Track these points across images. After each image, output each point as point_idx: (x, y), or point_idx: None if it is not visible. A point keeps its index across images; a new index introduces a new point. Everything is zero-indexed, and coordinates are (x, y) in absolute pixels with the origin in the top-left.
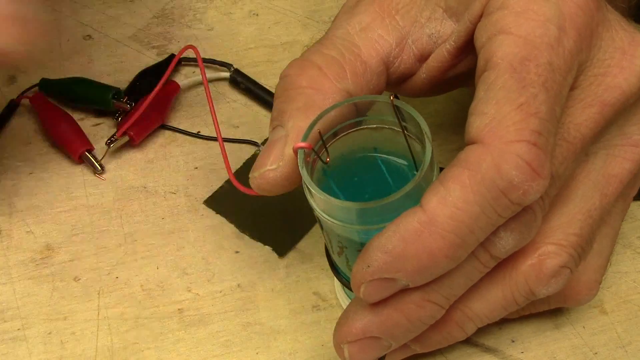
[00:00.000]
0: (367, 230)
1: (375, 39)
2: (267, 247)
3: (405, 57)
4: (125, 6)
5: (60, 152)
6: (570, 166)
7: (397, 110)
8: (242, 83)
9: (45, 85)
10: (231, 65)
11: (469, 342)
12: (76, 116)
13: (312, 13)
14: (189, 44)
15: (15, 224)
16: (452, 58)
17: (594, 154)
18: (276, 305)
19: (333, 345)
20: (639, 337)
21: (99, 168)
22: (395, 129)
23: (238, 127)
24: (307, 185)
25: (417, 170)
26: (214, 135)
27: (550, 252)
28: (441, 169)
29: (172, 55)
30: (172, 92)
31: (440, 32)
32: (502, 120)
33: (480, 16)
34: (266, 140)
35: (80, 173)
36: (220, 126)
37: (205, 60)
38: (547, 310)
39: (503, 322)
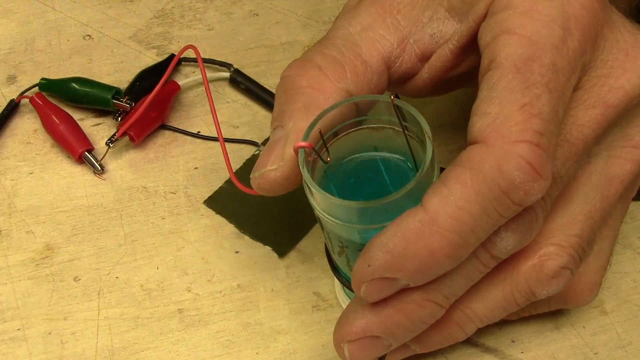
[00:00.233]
0: (367, 229)
1: (376, 39)
2: (267, 247)
3: (406, 57)
4: (125, 6)
5: (60, 152)
6: (572, 167)
7: (397, 109)
8: (242, 83)
9: (45, 85)
10: (231, 65)
11: (469, 342)
12: (76, 116)
13: (312, 13)
14: (189, 44)
15: (15, 224)
16: (455, 58)
17: (596, 155)
18: (276, 305)
19: (333, 345)
20: (639, 337)
21: (99, 168)
22: (396, 128)
23: (238, 127)
24: (307, 184)
25: (417, 170)
26: (214, 135)
27: (551, 253)
28: (442, 170)
29: (172, 55)
30: (172, 92)
31: (442, 32)
32: (505, 121)
33: (485, 16)
34: (266, 140)
35: (80, 173)
36: (220, 126)
37: (205, 60)
38: (548, 311)
39: (503, 323)
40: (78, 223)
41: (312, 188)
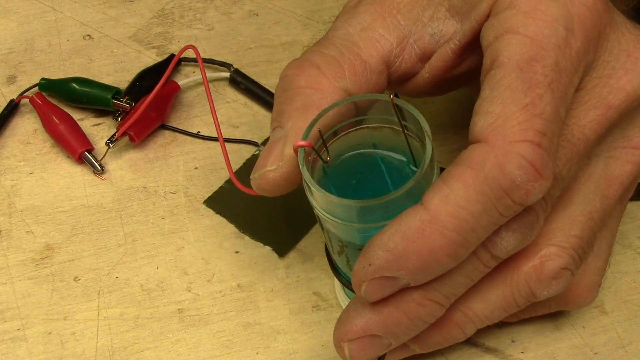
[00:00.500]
0: (367, 228)
1: (375, 38)
2: (267, 247)
3: (406, 57)
4: (125, 6)
5: (60, 152)
6: (574, 168)
7: (397, 108)
8: (242, 83)
9: (45, 85)
10: (231, 65)
11: (469, 342)
12: (76, 116)
13: (312, 13)
14: (188, 44)
15: (15, 224)
16: (456, 57)
17: (596, 156)
18: (276, 305)
19: (333, 344)
20: (639, 337)
21: (99, 168)
22: (395, 127)
23: (238, 127)
24: (307, 184)
25: (417, 170)
26: (214, 135)
27: (551, 253)
28: (442, 170)
29: (172, 55)
30: (172, 92)
31: (442, 32)
32: (507, 120)
33: (487, 15)
34: (267, 140)
35: (80, 173)
36: (220, 126)
37: (205, 60)
38: (548, 313)
39: (503, 323)
40: (78, 223)
41: (312, 187)
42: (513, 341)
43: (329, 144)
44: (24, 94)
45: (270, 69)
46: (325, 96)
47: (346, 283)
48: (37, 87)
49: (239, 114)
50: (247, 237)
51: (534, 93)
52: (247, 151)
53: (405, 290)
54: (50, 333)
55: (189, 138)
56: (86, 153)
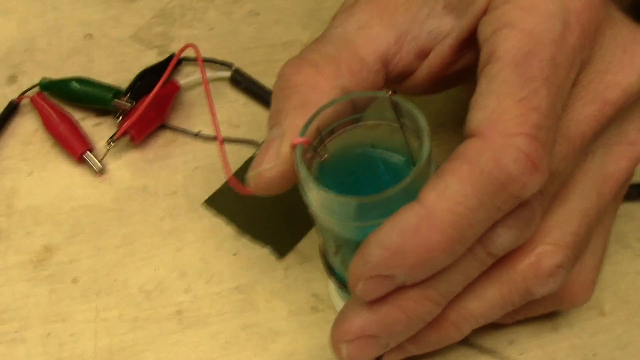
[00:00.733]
0: (364, 226)
1: (372, 37)
2: (266, 248)
3: (404, 55)
4: (126, 6)
5: (60, 152)
6: (570, 164)
7: (395, 105)
8: (243, 82)
9: (46, 85)
10: (231, 64)
11: (467, 343)
12: (76, 116)
13: (312, 13)
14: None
15: (15, 225)
16: (454, 53)
17: (592, 152)
18: (275, 306)
19: (330, 345)
20: (639, 337)
21: (99, 166)
22: (394, 125)
23: (238, 126)
24: (303, 182)
25: (414, 166)
26: (214, 135)
27: (547, 251)
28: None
29: (173, 55)
30: (172, 92)
31: (440, 29)
32: (503, 114)
33: (485, 11)
34: None
35: (80, 173)
36: (220, 126)
37: (205, 60)
38: (543, 313)
39: (501, 324)
40: (77, 224)
41: (308, 184)
42: (511, 342)
43: (326, 142)
44: (24, 94)
45: (270, 69)
46: (323, 94)
47: (342, 284)
48: (37, 87)
49: (239, 114)
50: (246, 239)
51: (530, 87)
52: (247, 151)
53: (402, 289)
54: (48, 335)
55: (189, 138)
56: (86, 153)
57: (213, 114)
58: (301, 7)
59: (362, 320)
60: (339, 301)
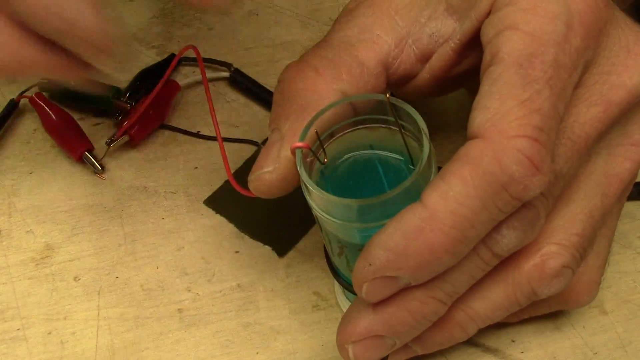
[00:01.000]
0: (366, 228)
1: (373, 40)
2: (267, 247)
3: (405, 58)
4: (125, 5)
5: (60, 152)
6: (574, 165)
7: (393, 107)
8: (242, 83)
9: (45, 85)
10: (231, 65)
11: (469, 342)
12: (76, 116)
13: (312, 13)
14: (189, 43)
15: (15, 224)
16: (456, 56)
17: (596, 153)
18: (276, 305)
19: (337, 347)
20: (639, 337)
21: (99, 168)
22: (393, 127)
23: (238, 126)
24: (305, 185)
25: (414, 168)
26: (214, 135)
27: (552, 252)
28: (440, 169)
29: (172, 55)
30: (172, 92)
31: (441, 32)
32: (505, 115)
33: (488, 13)
34: (266, 140)
35: (80, 173)
36: (220, 126)
37: (205, 60)
38: (548, 312)
39: (503, 323)
40: (78, 223)
41: (310, 187)
42: (513, 341)
43: (326, 145)
44: (24, 94)
45: (270, 69)
46: (322, 98)
47: (347, 285)
48: (36, 87)
49: (239, 114)
50: (247, 237)
51: (533, 89)
52: (247, 151)
53: (407, 289)
54: (50, 333)
55: (189, 138)
56: (86, 153)
57: (213, 114)
58: (301, 7)
59: (367, 321)
60: (345, 302)
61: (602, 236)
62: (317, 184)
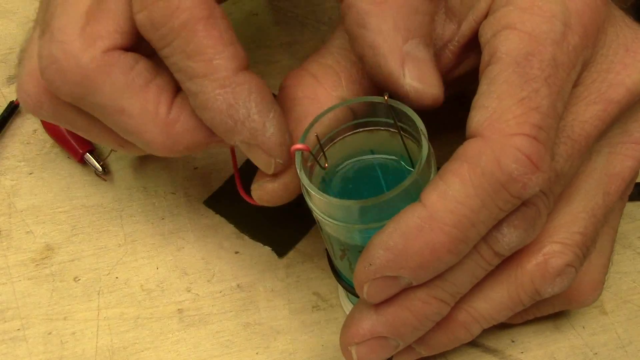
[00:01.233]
0: (367, 229)
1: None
2: (267, 247)
3: None
4: None
5: (60, 152)
6: (575, 164)
7: (392, 109)
8: None
9: None
10: None
11: (469, 342)
12: None
13: (312, 13)
14: None
15: (15, 224)
16: (456, 58)
17: (597, 152)
18: (276, 305)
19: (340, 349)
20: (639, 337)
21: (100, 168)
22: (391, 130)
23: None
24: (306, 188)
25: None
26: None
27: (555, 251)
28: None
29: None
30: None
31: (440, 35)
32: (503, 114)
33: (486, 15)
34: None
35: (80, 173)
36: None
37: None
38: (552, 312)
39: (504, 323)
40: (78, 223)
41: (310, 190)
42: (513, 341)
43: (326, 149)
44: None
45: (270, 69)
46: (322, 106)
47: (349, 289)
48: None
49: None
50: (247, 237)
51: (531, 87)
52: None
53: (409, 289)
54: (50, 333)
55: None
56: (87, 154)
57: None
58: (301, 7)
59: (370, 322)
60: (348, 306)
61: (604, 235)
62: (318, 188)
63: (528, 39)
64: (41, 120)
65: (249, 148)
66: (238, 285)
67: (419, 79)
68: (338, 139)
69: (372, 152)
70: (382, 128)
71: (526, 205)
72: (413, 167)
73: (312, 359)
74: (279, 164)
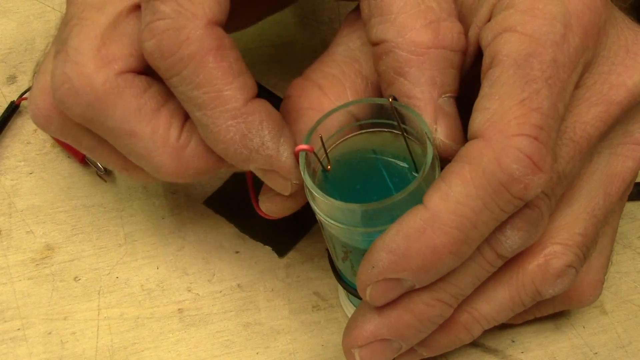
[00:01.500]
0: (370, 232)
1: None
2: (267, 247)
3: None
4: None
5: (61, 152)
6: (577, 165)
7: (396, 112)
8: None
9: None
10: None
11: (469, 342)
12: None
13: (312, 13)
14: None
15: (15, 224)
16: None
17: (598, 153)
18: (276, 305)
19: (343, 351)
20: (639, 337)
21: (102, 169)
22: (395, 131)
23: None
24: (309, 189)
25: (418, 172)
26: None
27: (556, 252)
28: None
29: None
30: None
31: None
32: (504, 115)
33: (489, 19)
34: None
35: (80, 173)
36: None
37: None
38: (552, 313)
39: (505, 323)
40: (78, 223)
41: (314, 193)
42: (513, 341)
43: (330, 151)
44: (24, 96)
45: (270, 69)
46: None
47: (352, 290)
48: None
49: None
50: (247, 237)
51: (531, 88)
52: None
53: (412, 292)
54: (50, 333)
55: None
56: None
57: None
58: (301, 7)
59: (373, 325)
60: (349, 307)
61: (604, 235)
62: (321, 189)
63: (528, 40)
64: None
65: (265, 173)
66: (238, 285)
67: (448, 135)
68: (341, 139)
69: (375, 154)
70: (386, 130)
71: (529, 207)
72: (415, 169)
73: (312, 359)
74: (295, 185)
